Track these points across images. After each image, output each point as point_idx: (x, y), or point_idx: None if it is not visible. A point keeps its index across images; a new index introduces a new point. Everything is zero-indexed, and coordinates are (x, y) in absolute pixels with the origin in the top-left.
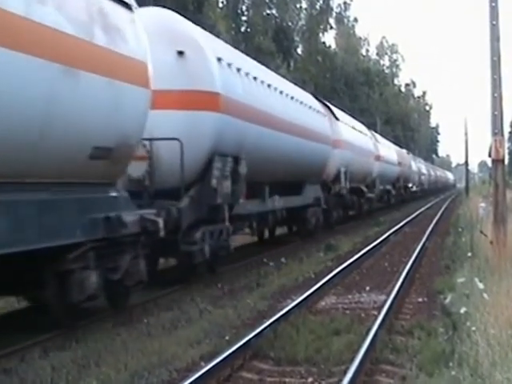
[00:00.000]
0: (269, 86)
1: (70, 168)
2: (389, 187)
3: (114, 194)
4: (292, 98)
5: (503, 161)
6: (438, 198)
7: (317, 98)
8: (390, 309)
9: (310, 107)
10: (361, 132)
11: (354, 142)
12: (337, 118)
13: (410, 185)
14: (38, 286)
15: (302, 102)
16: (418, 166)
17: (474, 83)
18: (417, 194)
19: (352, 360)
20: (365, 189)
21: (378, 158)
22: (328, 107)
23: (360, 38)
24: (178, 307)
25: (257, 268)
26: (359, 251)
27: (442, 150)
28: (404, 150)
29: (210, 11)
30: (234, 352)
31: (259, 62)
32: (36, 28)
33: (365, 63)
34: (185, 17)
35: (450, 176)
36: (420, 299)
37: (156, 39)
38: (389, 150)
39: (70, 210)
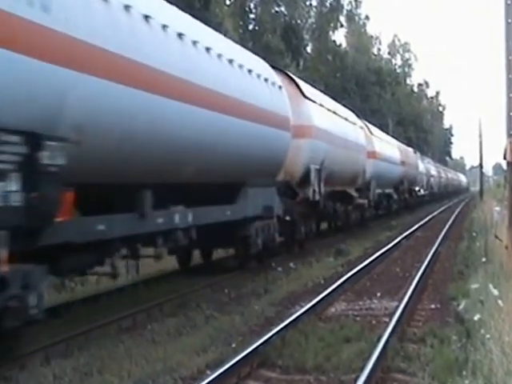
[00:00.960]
0: (146, 18)
1: None
2: (389, 191)
3: None
4: (208, 50)
5: None
6: (450, 202)
7: (273, 67)
8: (402, 315)
9: (251, 71)
10: (346, 119)
11: (334, 131)
12: (305, 96)
13: (417, 188)
14: None
15: (232, 61)
16: (426, 166)
17: (489, 83)
18: (425, 199)
19: (362, 368)
20: (354, 193)
21: (372, 154)
22: (291, 79)
23: (371, 37)
24: (183, 313)
25: (265, 273)
26: (370, 256)
27: (455, 152)
28: (410, 149)
29: (217, 8)
30: (240, 360)
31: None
32: None
33: (376, 62)
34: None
35: (463, 178)
36: (433, 306)
37: None
38: (388, 146)
39: None
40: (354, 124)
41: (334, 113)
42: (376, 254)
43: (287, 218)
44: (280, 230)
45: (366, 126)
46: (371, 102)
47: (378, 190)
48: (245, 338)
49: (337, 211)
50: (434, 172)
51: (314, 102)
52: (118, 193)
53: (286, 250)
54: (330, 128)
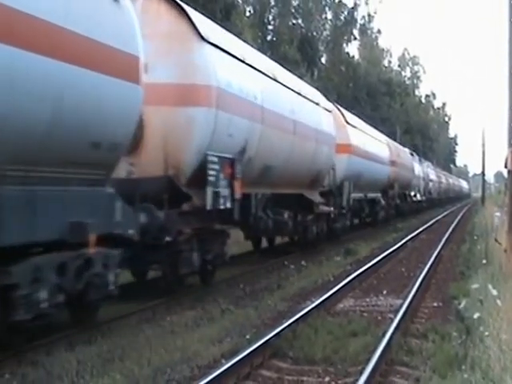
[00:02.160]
0: None
1: None
2: (374, 195)
3: None
4: None
5: None
6: (452, 208)
7: None
8: (406, 312)
9: None
10: (299, 94)
11: (270, 104)
12: (203, 37)
13: (412, 193)
14: None
15: None
16: (424, 170)
17: (493, 96)
18: (422, 205)
19: (368, 361)
20: (317, 198)
21: (346, 148)
22: (181, 8)
23: (383, 50)
24: (200, 306)
25: (278, 270)
26: (377, 256)
27: (459, 160)
28: (406, 149)
29: (237, 20)
30: (253, 351)
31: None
32: None
33: (387, 74)
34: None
35: (465, 184)
36: (435, 304)
37: None
38: (372, 141)
39: None
40: (317, 104)
41: (274, 79)
42: (383, 254)
43: (168, 239)
44: (151, 261)
45: (340, 110)
46: (381, 111)
47: (357, 194)
48: (258, 330)
49: (284, 223)
50: (433, 176)
51: (224, 50)
52: None
53: (164, 292)
54: (261, 98)
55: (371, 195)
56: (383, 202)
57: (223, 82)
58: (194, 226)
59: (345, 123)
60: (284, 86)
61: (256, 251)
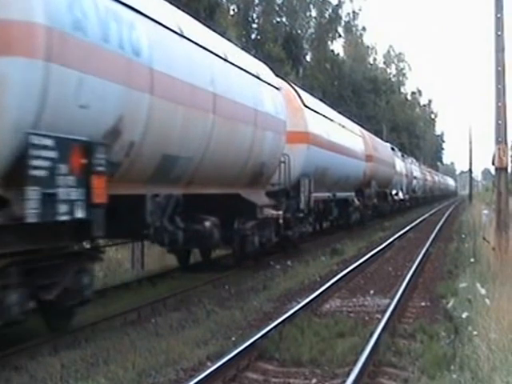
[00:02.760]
0: None
1: None
2: (346, 195)
3: None
4: None
5: (506, 169)
6: (440, 205)
7: None
8: (394, 312)
9: None
10: (225, 60)
11: (160, 64)
12: None
13: (394, 191)
14: None
15: None
16: (407, 167)
17: (479, 92)
18: (405, 204)
19: (355, 362)
20: (260, 200)
21: (303, 137)
22: None
23: (368, 47)
24: (185, 308)
25: (264, 270)
26: (364, 255)
27: (446, 158)
28: (386, 144)
29: (221, 18)
30: (239, 353)
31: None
32: None
33: (372, 71)
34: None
35: (451, 182)
36: (423, 303)
37: None
38: (341, 131)
39: None
40: (256, 77)
41: (178, 34)
42: (370, 253)
43: None
44: None
45: (294, 89)
46: (367, 109)
47: (322, 194)
48: (244, 331)
49: (204, 234)
50: (417, 174)
51: None
52: None
53: None
54: (149, 55)
55: (342, 195)
56: (357, 202)
57: (63, 20)
58: (13, 249)
59: (301, 106)
60: (197, 44)
61: (182, 268)
